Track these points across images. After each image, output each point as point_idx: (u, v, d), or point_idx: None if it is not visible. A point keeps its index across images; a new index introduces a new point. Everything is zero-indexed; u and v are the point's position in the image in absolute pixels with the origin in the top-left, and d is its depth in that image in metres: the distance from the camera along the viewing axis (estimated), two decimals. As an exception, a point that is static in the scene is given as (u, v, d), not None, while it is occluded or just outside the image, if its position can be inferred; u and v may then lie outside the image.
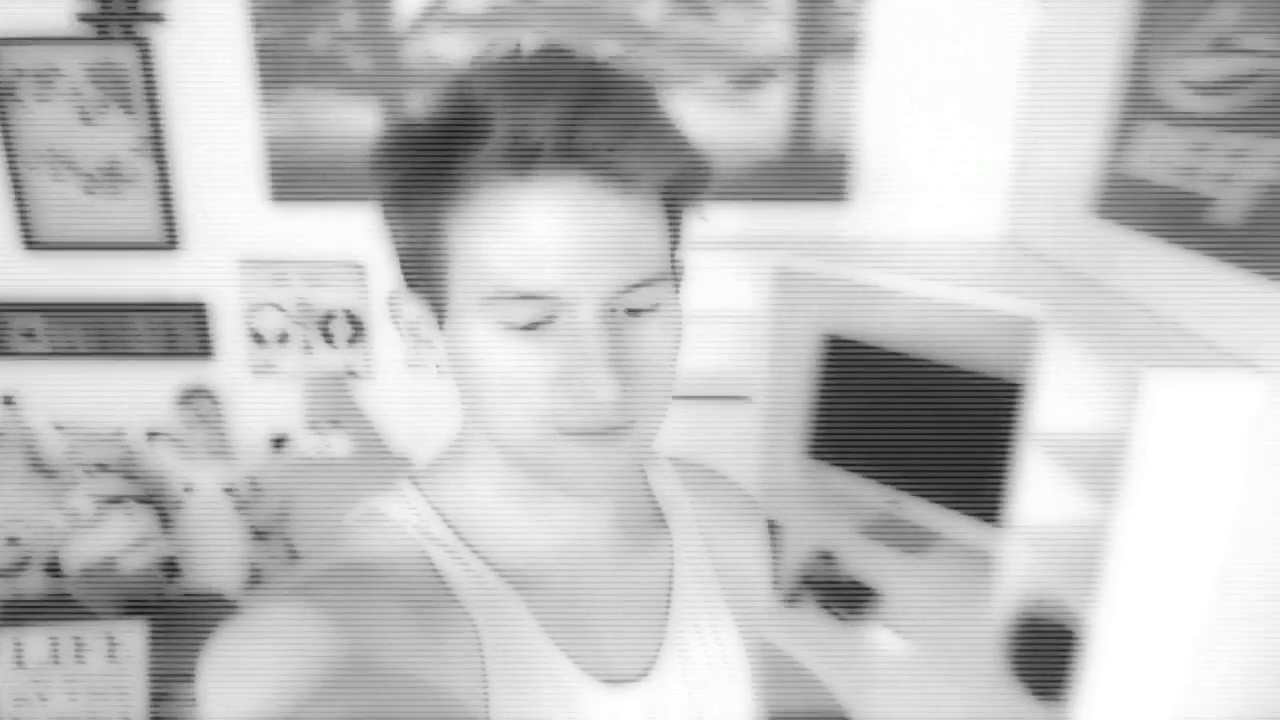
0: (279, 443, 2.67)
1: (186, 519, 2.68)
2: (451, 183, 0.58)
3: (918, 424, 2.40)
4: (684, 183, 0.61)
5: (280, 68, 2.41)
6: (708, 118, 2.40)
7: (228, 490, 2.64)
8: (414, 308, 0.66)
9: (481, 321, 0.60)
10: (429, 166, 0.58)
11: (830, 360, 2.59)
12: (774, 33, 2.35)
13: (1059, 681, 1.77)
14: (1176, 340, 1.58)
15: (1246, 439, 1.44)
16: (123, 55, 2.42)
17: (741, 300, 2.45)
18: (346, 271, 2.58)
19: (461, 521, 0.70)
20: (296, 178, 2.49)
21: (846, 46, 2.36)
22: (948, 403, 2.34)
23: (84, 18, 2.38)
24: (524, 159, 0.55)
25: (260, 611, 0.56)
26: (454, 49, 2.38)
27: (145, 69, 2.41)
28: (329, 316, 2.61)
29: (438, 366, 0.67)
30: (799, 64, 2.38)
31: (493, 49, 0.58)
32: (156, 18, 2.39)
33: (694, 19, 2.34)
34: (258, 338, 2.63)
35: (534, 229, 0.56)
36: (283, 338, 2.63)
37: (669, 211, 0.63)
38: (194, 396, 2.65)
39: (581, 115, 0.53)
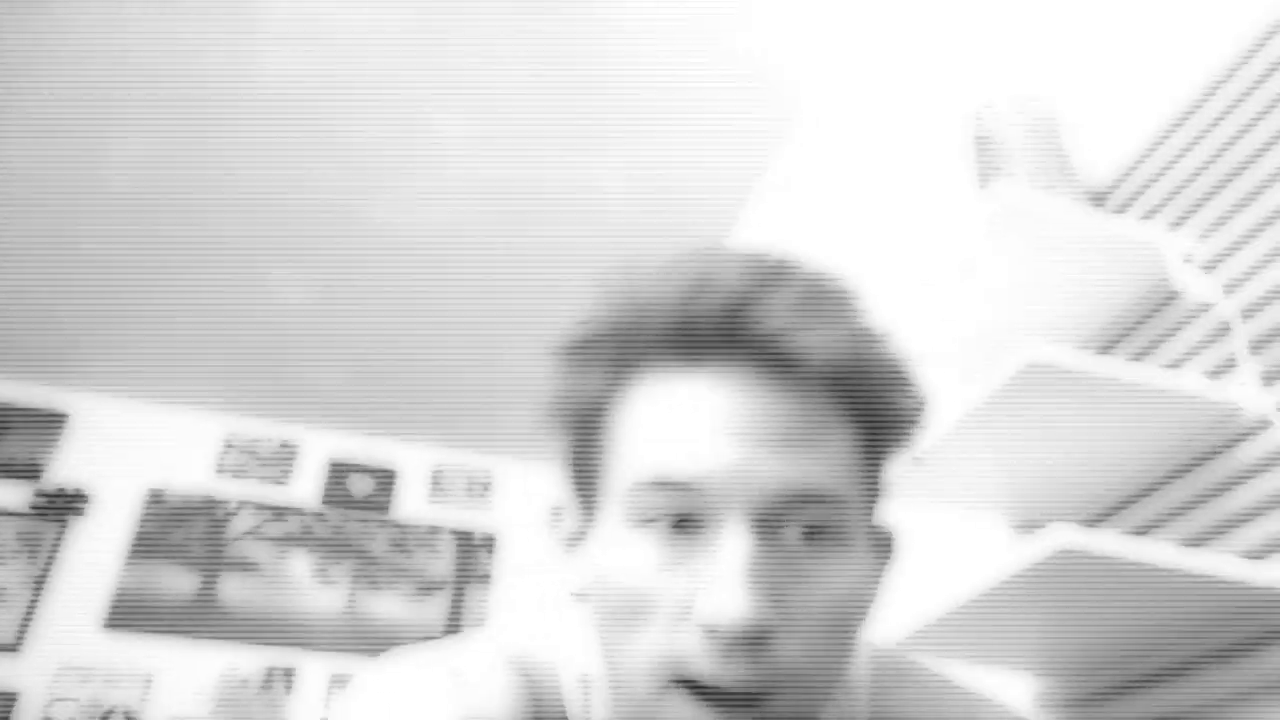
0: (26, 812, 3.53)
1: None
2: (620, 369, 0.54)
3: None
4: (871, 391, 0.52)
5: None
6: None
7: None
8: (574, 519, 0.59)
9: (622, 517, 0.51)
10: (611, 342, 0.54)
11: None
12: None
13: None
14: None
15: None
16: (44, 527, 4.00)
17: None
18: (137, 681, 3.84)
19: None
20: (131, 613, 3.92)
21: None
22: None
23: (34, 505, 4.01)
24: (690, 344, 0.51)
25: (429, 670, 0.55)
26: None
27: (57, 535, 3.97)
28: (109, 711, 3.77)
29: (577, 591, 0.57)
30: (456, 592, 4.25)
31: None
32: (78, 509, 4.05)
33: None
34: (49, 723, 3.70)
35: (692, 414, 0.50)
36: (69, 724, 3.72)
37: (864, 436, 0.53)
38: (-24, 763, 3.57)
39: (751, 300, 0.49)
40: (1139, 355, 1.24)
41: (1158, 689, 1.10)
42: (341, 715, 0.52)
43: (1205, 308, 1.14)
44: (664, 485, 0.49)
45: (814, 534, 0.50)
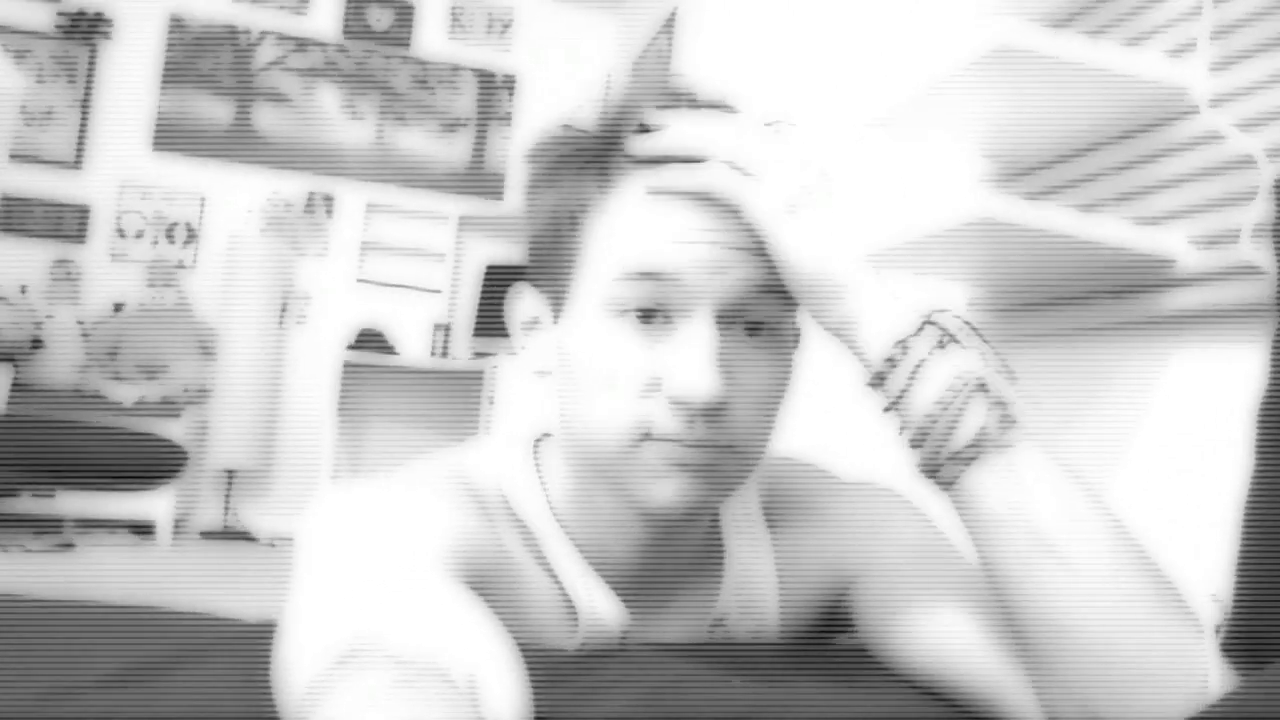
0: (118, 307, 4.09)
1: (48, 330, 3.98)
2: (606, 174, 0.60)
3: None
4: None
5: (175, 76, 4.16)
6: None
7: (79, 321, 4.00)
8: (533, 303, 0.66)
9: (598, 307, 0.59)
10: (588, 161, 0.61)
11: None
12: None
13: None
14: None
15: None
16: (76, 49, 4.08)
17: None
18: (192, 197, 4.19)
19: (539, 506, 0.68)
20: (176, 136, 4.17)
21: (505, 118, 4.45)
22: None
23: (58, 25, 4.05)
24: (682, 160, 0.58)
25: (380, 489, 0.58)
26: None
27: (90, 58, 4.08)
28: (174, 224, 4.18)
29: (539, 368, 0.65)
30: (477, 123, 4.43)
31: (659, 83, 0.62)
32: (104, 32, 4.10)
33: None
34: (121, 232, 4.13)
35: (673, 216, 0.58)
36: (139, 234, 4.15)
37: None
38: (63, 263, 4.06)
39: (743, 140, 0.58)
40: (1114, 24, 1.28)
41: (1066, 309, 1.33)
42: (305, 537, 0.55)
43: (1180, -14, 1.17)
44: (646, 276, 0.57)
45: (757, 328, 0.60)
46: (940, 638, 0.61)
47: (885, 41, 1.96)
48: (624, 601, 0.68)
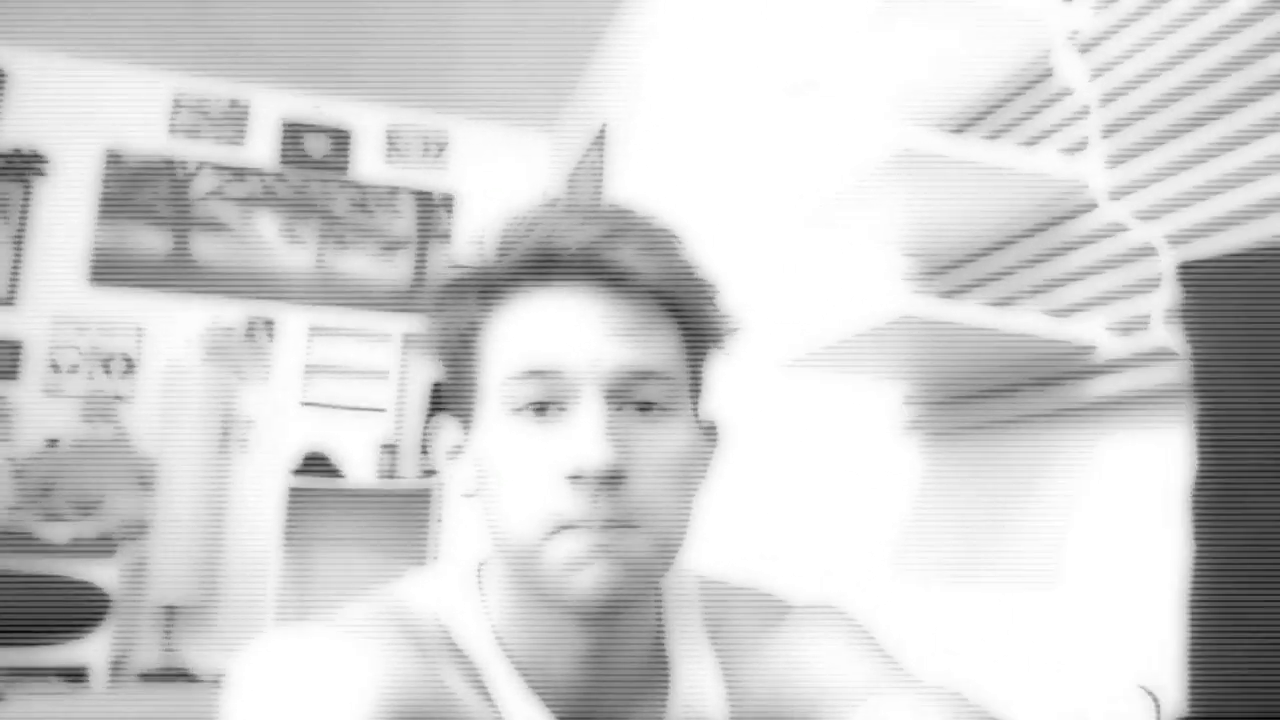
0: (51, 442, 3.98)
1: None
2: (490, 296, 0.66)
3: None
4: (688, 303, 0.66)
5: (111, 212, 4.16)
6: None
7: (9, 459, 3.88)
8: (452, 430, 0.71)
9: (496, 410, 0.64)
10: (478, 278, 0.66)
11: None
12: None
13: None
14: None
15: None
16: (9, 188, 4.07)
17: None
18: (130, 328, 4.14)
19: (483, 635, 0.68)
20: (113, 268, 4.13)
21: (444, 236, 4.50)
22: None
23: (-8, 164, 4.05)
24: (548, 273, 0.64)
25: (309, 636, 0.57)
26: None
27: (24, 196, 4.07)
28: (111, 356, 4.11)
29: (465, 492, 0.69)
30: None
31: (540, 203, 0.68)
32: (39, 170, 4.10)
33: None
34: (55, 367, 4.05)
35: (548, 320, 0.63)
36: (74, 368, 4.07)
37: (686, 336, 0.67)
38: (-4, 403, 3.96)
39: (600, 240, 0.62)
40: (1011, 126, 1.34)
41: (996, 401, 1.35)
42: (230, 692, 0.55)
43: (1070, 90, 1.23)
44: (532, 374, 0.62)
45: (649, 407, 0.64)
46: None
47: (802, 148, 2.03)
48: None
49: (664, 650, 0.73)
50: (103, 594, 1.01)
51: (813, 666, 0.67)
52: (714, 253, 0.71)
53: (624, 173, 3.43)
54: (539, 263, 0.64)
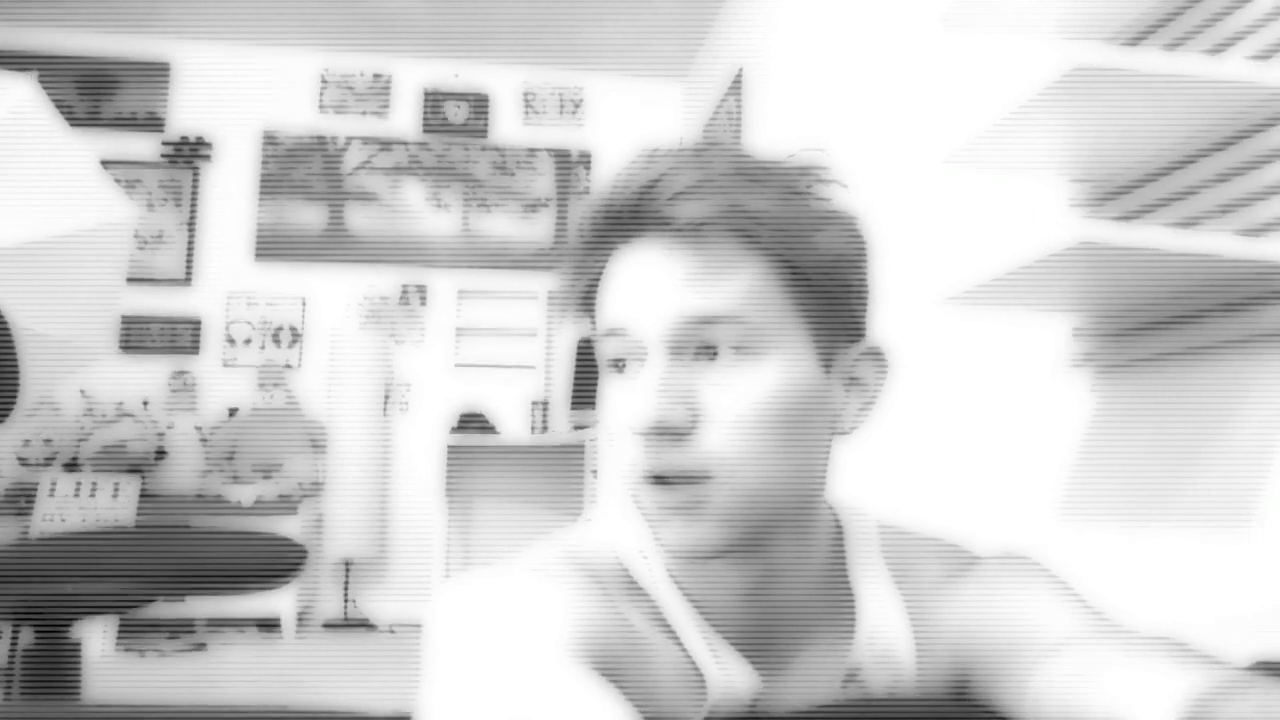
0: (232, 411, 4.27)
1: (170, 440, 4.17)
2: (605, 250, 0.66)
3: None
4: (780, 237, 0.62)
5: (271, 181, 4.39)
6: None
7: (197, 428, 4.19)
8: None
9: (602, 365, 0.67)
10: (583, 242, 0.67)
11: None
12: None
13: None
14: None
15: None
16: (180, 174, 4.34)
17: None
18: (294, 300, 4.38)
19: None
20: (275, 245, 4.37)
21: (584, 192, 4.55)
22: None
23: (163, 154, 4.33)
24: (625, 227, 0.63)
25: (499, 578, 0.60)
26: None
27: (194, 181, 4.33)
28: (279, 328, 4.36)
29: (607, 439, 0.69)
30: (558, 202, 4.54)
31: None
32: (205, 155, 4.36)
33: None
34: (230, 340, 4.33)
35: (624, 277, 0.64)
36: (247, 340, 4.34)
37: (781, 273, 0.63)
38: (180, 375, 4.27)
39: (656, 186, 0.61)
40: (1192, 35, 1.24)
41: (1179, 329, 1.27)
42: (430, 633, 0.57)
43: (1260, -13, 1.13)
44: (610, 333, 0.64)
45: (717, 353, 0.61)
46: (1072, 686, 0.57)
47: (954, 81, 1.94)
48: (751, 660, 0.68)
49: (847, 588, 0.72)
50: (300, 548, 1.11)
51: (1006, 616, 0.66)
52: (863, 192, 0.68)
53: (763, 118, 3.37)
54: (621, 219, 0.64)
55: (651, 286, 0.62)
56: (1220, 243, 1.10)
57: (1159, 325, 1.31)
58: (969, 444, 1.87)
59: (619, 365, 0.65)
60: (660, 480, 0.61)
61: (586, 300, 0.69)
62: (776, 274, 0.63)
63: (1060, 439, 1.55)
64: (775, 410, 0.61)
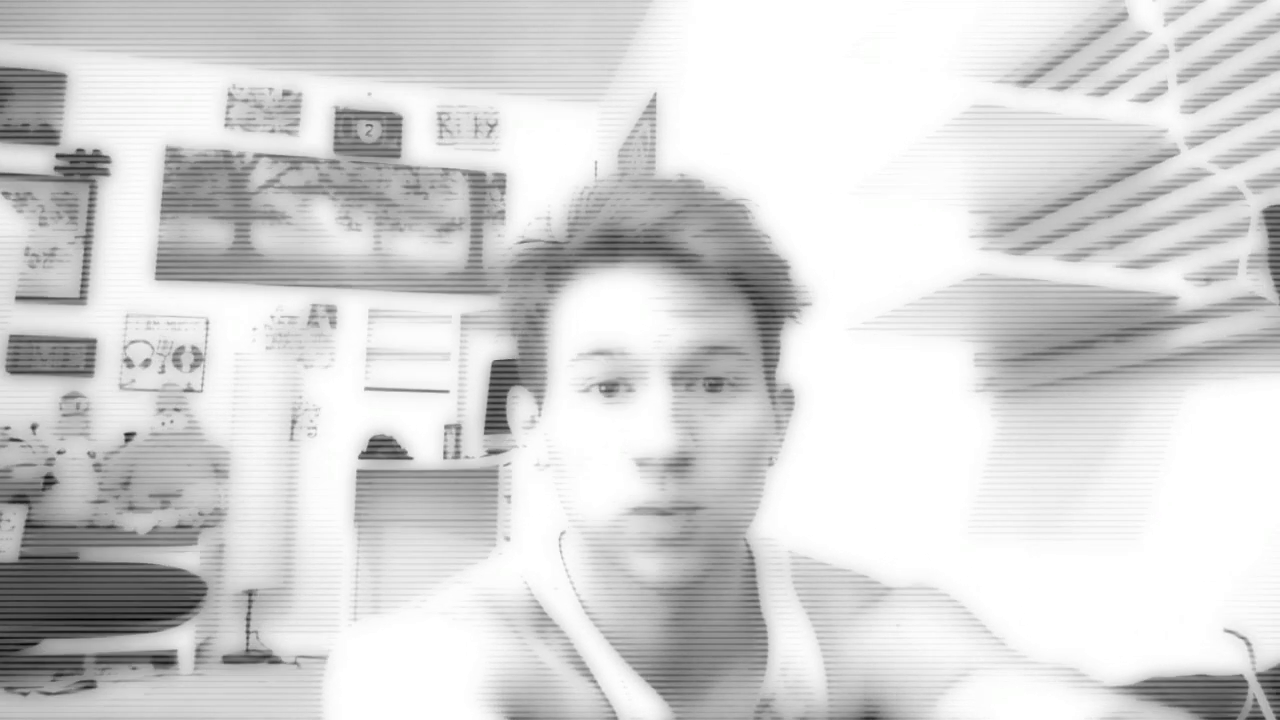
0: (129, 436, 4.10)
1: (60, 466, 3.98)
2: (558, 275, 0.65)
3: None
4: (759, 278, 0.64)
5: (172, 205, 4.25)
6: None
7: (90, 454, 4.01)
8: (526, 402, 0.71)
9: (566, 390, 0.63)
10: (545, 257, 0.66)
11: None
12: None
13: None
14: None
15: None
16: (76, 189, 4.18)
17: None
18: (196, 321, 4.24)
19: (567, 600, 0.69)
20: (177, 263, 4.23)
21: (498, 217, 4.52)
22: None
23: (57, 167, 4.15)
24: (614, 252, 0.63)
25: (407, 623, 0.59)
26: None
27: (90, 196, 4.17)
28: (180, 349, 4.22)
29: (537, 462, 0.69)
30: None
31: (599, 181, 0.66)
32: (102, 169, 4.20)
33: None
34: (128, 362, 4.17)
35: (614, 299, 0.62)
36: (146, 362, 4.18)
37: (757, 311, 0.66)
38: (73, 398, 4.09)
39: (666, 220, 0.61)
40: (1081, 75, 1.30)
41: (1074, 356, 1.33)
42: (334, 683, 0.56)
43: (1145, 34, 1.19)
44: (599, 354, 0.62)
45: (719, 384, 0.63)
46: (977, 713, 0.58)
47: (860, 112, 2.00)
48: (664, 693, 0.68)
49: (760, 618, 0.73)
50: (199, 581, 1.06)
51: (915, 645, 0.67)
52: (775, 221, 0.70)
53: (677, 142, 3.41)
54: (606, 242, 0.63)
55: (653, 312, 0.62)
56: (1109, 274, 1.15)
57: (1056, 352, 1.36)
58: (876, 468, 1.91)
59: (608, 389, 0.62)
60: (659, 511, 0.60)
61: (534, 321, 0.67)
62: (754, 311, 0.66)
63: (964, 461, 1.60)
64: (755, 441, 0.64)
